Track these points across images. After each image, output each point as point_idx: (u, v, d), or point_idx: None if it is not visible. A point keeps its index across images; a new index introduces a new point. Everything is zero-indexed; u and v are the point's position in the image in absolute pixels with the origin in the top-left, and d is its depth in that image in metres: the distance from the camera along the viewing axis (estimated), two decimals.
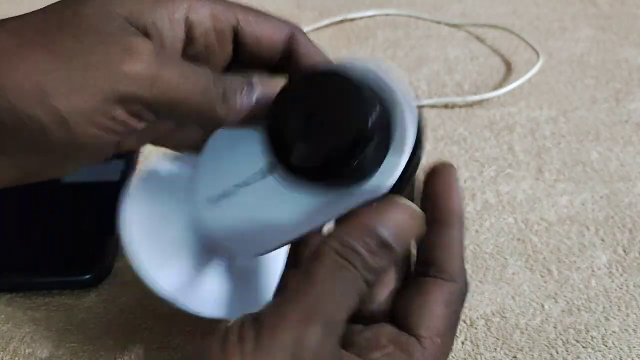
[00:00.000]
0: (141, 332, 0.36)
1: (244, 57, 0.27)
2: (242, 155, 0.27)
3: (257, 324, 0.21)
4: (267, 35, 0.26)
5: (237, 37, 0.26)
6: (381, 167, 0.24)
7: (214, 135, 0.28)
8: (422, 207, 0.24)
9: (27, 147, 0.23)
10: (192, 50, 0.26)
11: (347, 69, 0.25)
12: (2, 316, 0.37)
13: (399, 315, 0.24)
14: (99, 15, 0.23)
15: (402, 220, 0.23)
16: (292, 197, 0.26)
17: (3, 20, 0.24)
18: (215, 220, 0.28)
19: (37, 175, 0.25)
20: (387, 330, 0.24)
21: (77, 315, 0.37)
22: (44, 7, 0.25)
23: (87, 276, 0.38)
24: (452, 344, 0.24)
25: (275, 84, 0.25)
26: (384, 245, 0.22)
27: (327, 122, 0.24)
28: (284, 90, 0.25)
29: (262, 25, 0.26)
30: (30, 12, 0.24)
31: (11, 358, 0.35)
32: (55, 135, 0.22)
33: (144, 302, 0.38)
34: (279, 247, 0.27)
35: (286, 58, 0.27)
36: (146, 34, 0.24)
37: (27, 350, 0.35)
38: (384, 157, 0.24)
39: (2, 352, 0.35)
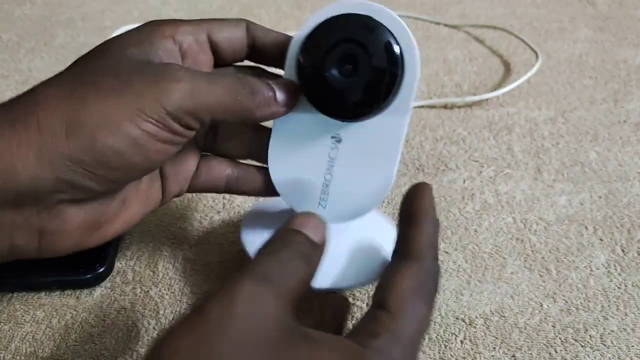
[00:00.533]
0: (142, 331, 0.36)
1: (223, 56, 0.32)
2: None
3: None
4: (231, 33, 0.31)
5: (211, 43, 0.31)
6: (401, 91, 0.31)
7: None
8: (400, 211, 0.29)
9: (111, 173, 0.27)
10: (185, 63, 0.30)
11: (355, 13, 0.30)
12: (4, 315, 0.37)
13: (377, 296, 0.27)
14: (135, 51, 0.28)
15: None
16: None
17: (60, 73, 0.29)
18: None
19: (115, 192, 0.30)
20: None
21: (79, 314, 0.37)
22: (84, 57, 0.29)
23: (88, 276, 0.38)
24: (424, 312, 0.26)
25: (284, 81, 0.31)
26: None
27: (364, 63, 0.29)
28: (311, 37, 0.30)
29: (225, 28, 0.31)
30: (73, 66, 0.29)
31: (12, 357, 0.35)
32: (134, 155, 0.26)
33: (145, 301, 0.38)
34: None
35: (251, 45, 0.32)
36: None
37: (28, 350, 0.35)
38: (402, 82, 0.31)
39: (3, 352, 0.35)
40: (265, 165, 0.35)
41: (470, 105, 0.55)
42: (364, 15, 0.30)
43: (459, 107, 0.55)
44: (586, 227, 0.43)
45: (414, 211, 0.29)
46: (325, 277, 0.33)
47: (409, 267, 0.27)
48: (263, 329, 0.23)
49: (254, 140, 0.34)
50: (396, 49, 0.30)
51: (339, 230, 0.34)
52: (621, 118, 0.53)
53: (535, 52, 0.61)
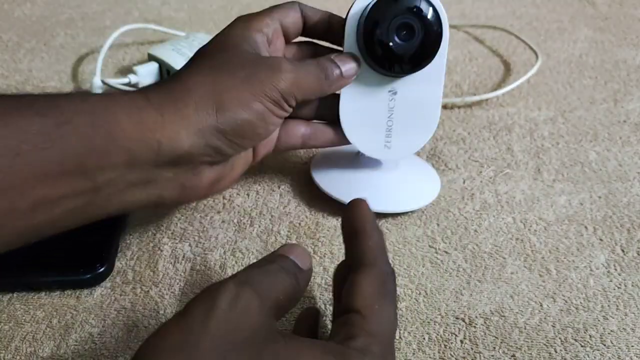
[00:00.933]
0: (142, 331, 0.36)
1: (289, 37, 0.41)
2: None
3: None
4: (294, 17, 0.40)
5: (283, 29, 0.40)
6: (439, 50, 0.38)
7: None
8: (343, 229, 0.32)
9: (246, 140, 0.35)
10: (271, 47, 0.39)
11: None
12: (4, 315, 0.37)
13: (343, 305, 0.28)
14: (246, 46, 0.37)
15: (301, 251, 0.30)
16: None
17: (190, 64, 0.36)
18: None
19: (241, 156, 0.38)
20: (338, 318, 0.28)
21: (79, 314, 0.37)
22: (208, 50, 0.37)
23: (88, 276, 0.38)
24: (391, 311, 0.28)
25: (346, 57, 0.39)
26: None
27: (418, 29, 0.37)
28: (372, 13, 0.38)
29: (290, 14, 0.40)
30: (204, 54, 0.37)
31: (13, 357, 0.35)
32: (260, 126, 0.35)
33: (145, 301, 0.38)
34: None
35: (304, 24, 0.41)
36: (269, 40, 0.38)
37: (28, 349, 0.35)
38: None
39: (4, 351, 0.35)
40: (329, 123, 0.42)
41: (470, 105, 0.55)
42: None
43: (459, 107, 0.55)
44: (586, 227, 0.43)
45: (356, 225, 0.31)
46: (387, 202, 0.43)
47: (368, 273, 0.28)
48: (245, 329, 0.24)
49: (322, 103, 0.41)
50: (436, 13, 0.37)
51: (391, 166, 0.44)
52: (621, 118, 0.53)
53: (535, 52, 0.61)
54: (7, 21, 0.68)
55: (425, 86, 0.41)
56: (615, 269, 0.40)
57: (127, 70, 0.59)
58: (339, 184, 0.44)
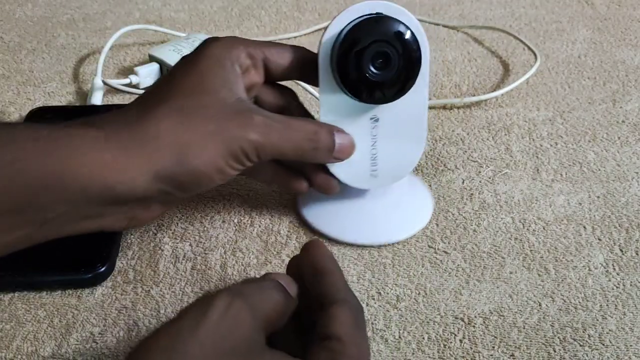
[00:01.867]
0: (143, 330, 0.36)
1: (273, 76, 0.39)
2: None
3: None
4: (284, 58, 0.38)
5: (266, 65, 0.38)
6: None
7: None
8: (304, 269, 0.31)
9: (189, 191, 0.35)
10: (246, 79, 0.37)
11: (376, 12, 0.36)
12: (5, 315, 0.37)
13: (320, 334, 0.28)
14: (224, 93, 0.35)
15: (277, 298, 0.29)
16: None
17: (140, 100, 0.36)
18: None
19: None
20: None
21: (80, 314, 0.37)
22: (164, 83, 0.36)
23: (90, 275, 0.38)
24: (366, 342, 0.29)
25: (346, 136, 0.39)
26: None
27: (394, 56, 0.36)
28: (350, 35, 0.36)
29: (282, 54, 0.38)
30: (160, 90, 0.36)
31: (14, 356, 0.35)
32: (217, 179, 0.35)
33: (146, 300, 0.38)
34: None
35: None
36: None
37: (29, 349, 0.35)
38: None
39: (5, 350, 0.35)
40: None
41: (469, 105, 0.55)
42: (380, 15, 0.36)
43: (458, 107, 0.55)
44: (584, 227, 0.43)
45: (321, 265, 0.31)
46: (376, 233, 0.41)
47: (343, 307, 0.29)
48: (233, 339, 0.25)
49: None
50: (413, 37, 0.36)
51: (380, 192, 0.43)
52: (619, 118, 0.53)
53: (534, 53, 0.61)
54: (9, 22, 0.68)
55: (409, 110, 0.39)
56: (614, 269, 0.40)
57: (128, 71, 0.59)
58: (325, 216, 0.43)
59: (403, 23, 0.36)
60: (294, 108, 0.41)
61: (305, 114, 0.41)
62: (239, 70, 0.36)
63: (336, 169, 0.40)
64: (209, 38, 0.38)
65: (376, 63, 0.36)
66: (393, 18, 0.36)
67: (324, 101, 0.39)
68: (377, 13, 0.36)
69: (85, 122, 0.33)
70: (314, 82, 0.39)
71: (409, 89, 0.37)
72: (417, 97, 0.39)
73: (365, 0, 0.37)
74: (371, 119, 0.39)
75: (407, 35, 0.36)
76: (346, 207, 0.43)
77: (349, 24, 0.36)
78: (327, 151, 0.38)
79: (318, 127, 0.37)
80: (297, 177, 0.41)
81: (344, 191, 0.42)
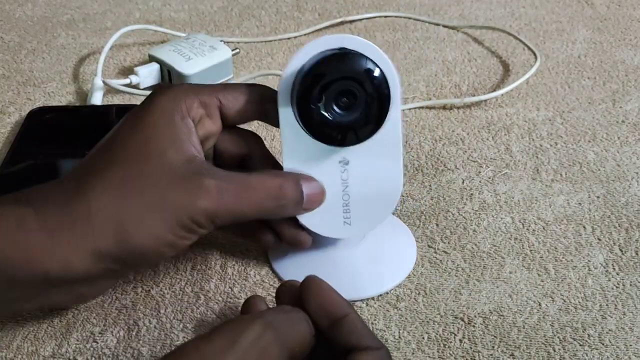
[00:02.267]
0: (143, 330, 0.36)
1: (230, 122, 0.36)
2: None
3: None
4: (240, 101, 0.35)
5: (222, 111, 0.35)
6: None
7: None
8: (312, 314, 0.30)
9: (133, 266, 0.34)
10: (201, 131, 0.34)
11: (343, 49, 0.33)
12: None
13: None
14: (171, 154, 0.32)
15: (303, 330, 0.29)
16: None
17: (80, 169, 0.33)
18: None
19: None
20: None
21: (80, 313, 0.37)
22: (108, 145, 0.33)
23: None
24: None
25: (314, 183, 0.35)
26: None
27: (360, 94, 0.32)
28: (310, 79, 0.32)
29: (238, 97, 0.35)
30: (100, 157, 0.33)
31: (14, 356, 0.35)
32: (167, 252, 0.32)
33: (146, 300, 0.38)
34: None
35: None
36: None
37: (30, 348, 0.35)
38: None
39: (5, 350, 0.35)
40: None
41: (469, 105, 0.55)
42: (344, 50, 0.33)
43: (458, 107, 0.55)
44: (584, 227, 0.43)
45: (333, 314, 0.29)
46: (353, 288, 0.38)
47: (376, 356, 0.28)
48: None
49: None
50: (380, 72, 0.33)
51: (355, 240, 0.40)
52: (619, 118, 0.53)
53: (534, 53, 0.61)
54: (9, 22, 0.69)
55: (381, 150, 0.35)
56: (614, 269, 0.40)
57: (128, 71, 0.59)
58: (296, 268, 0.39)
59: (370, 59, 0.33)
60: (257, 156, 0.37)
61: (271, 162, 0.38)
62: (191, 124, 0.33)
63: (305, 219, 0.36)
64: (157, 88, 0.35)
65: (340, 102, 0.33)
66: (359, 53, 0.33)
67: (286, 145, 0.35)
68: (340, 48, 0.33)
69: (16, 197, 0.31)
70: (277, 122, 0.35)
71: (377, 130, 0.34)
72: (390, 135, 0.35)
73: (327, 35, 0.34)
74: (340, 162, 0.36)
75: (376, 72, 0.32)
76: (318, 258, 0.39)
77: (310, 59, 0.33)
78: (295, 205, 0.34)
79: (282, 180, 0.34)
80: (263, 230, 0.37)
81: (316, 240, 0.39)
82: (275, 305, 0.32)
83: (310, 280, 0.31)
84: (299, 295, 0.31)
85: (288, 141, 0.35)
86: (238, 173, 0.33)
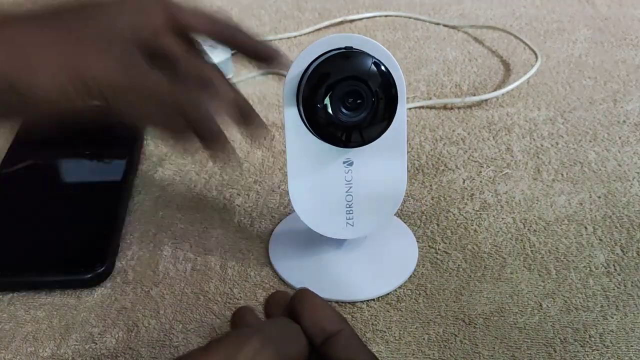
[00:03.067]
0: (142, 331, 0.36)
1: None
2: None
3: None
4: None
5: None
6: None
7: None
8: (306, 329, 0.29)
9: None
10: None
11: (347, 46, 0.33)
12: (4, 315, 0.37)
13: None
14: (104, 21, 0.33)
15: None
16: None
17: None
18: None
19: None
20: None
21: (79, 314, 0.37)
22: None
23: (89, 275, 0.38)
24: None
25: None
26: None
27: (367, 95, 0.32)
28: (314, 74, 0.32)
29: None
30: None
31: (13, 357, 0.35)
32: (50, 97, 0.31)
33: (145, 301, 0.38)
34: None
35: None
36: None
37: (29, 349, 0.35)
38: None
39: (4, 351, 0.35)
40: None
41: (469, 105, 0.55)
42: (350, 49, 0.33)
43: (459, 107, 0.55)
44: (585, 227, 0.43)
45: (327, 330, 0.29)
46: (358, 289, 0.38)
47: None
48: None
49: None
50: (387, 72, 0.32)
51: (357, 241, 0.39)
52: (620, 118, 0.53)
53: (535, 53, 0.61)
54: None
55: (386, 151, 0.36)
56: (615, 269, 0.40)
57: None
58: (298, 269, 0.39)
59: (376, 58, 0.32)
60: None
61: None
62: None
63: (308, 218, 0.37)
64: None
65: (347, 103, 0.33)
66: (365, 52, 0.33)
67: (290, 145, 0.35)
68: (346, 47, 0.33)
69: None
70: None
71: (385, 131, 0.34)
72: (395, 137, 0.35)
73: (332, 34, 0.33)
74: (344, 162, 0.36)
75: (382, 72, 0.32)
76: (320, 258, 0.39)
77: (316, 58, 0.33)
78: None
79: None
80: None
81: (319, 241, 0.39)
82: (263, 314, 0.32)
83: (303, 293, 0.30)
84: (290, 307, 0.30)
85: (292, 141, 0.35)
86: None
